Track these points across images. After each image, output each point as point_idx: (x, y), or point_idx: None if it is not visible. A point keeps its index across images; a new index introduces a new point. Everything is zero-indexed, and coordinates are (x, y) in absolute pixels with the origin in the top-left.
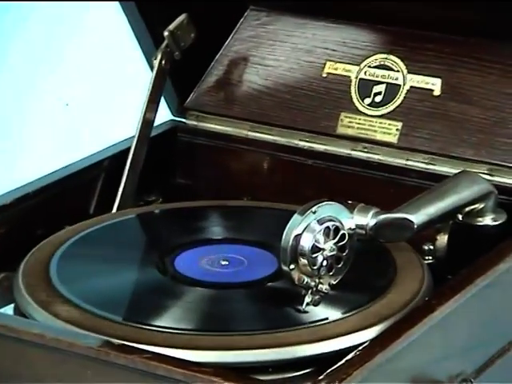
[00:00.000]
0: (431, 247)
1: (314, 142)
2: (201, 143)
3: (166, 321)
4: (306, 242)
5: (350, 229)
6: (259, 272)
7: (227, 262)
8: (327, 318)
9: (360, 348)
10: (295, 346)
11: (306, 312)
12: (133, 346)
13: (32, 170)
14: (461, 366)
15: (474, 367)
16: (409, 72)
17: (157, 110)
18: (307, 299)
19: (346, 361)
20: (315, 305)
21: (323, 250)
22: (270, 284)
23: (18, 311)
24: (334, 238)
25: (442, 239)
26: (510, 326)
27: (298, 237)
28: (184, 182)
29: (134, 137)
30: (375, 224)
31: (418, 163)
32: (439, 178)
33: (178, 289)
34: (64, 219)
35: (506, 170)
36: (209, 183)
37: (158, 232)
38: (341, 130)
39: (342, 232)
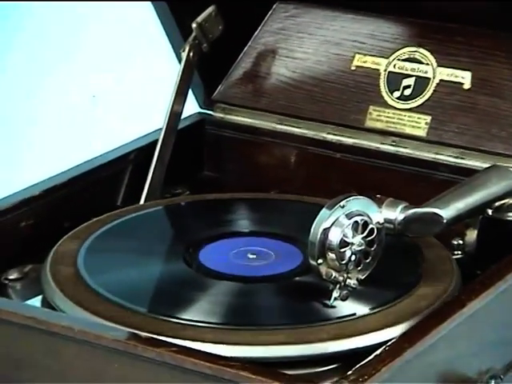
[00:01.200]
0: (460, 242)
1: (342, 136)
2: (228, 136)
3: (194, 314)
4: (335, 237)
5: (378, 223)
6: (287, 266)
7: (254, 256)
8: (355, 314)
9: (389, 344)
10: (323, 342)
11: (333, 307)
12: (160, 339)
13: (59, 162)
14: (490, 362)
15: (504, 363)
16: (438, 65)
17: (184, 103)
18: (335, 294)
19: (375, 356)
20: (343, 300)
21: (351, 244)
22: (297, 278)
23: (46, 303)
24: (362, 233)
25: (472, 234)
26: None
27: (326, 231)
28: (211, 174)
29: (161, 129)
30: (404, 218)
31: (447, 157)
32: (469, 172)
33: (205, 282)
34: (91, 211)
35: None
36: (236, 176)
37: (185, 224)
38: (369, 124)
39: (370, 226)
